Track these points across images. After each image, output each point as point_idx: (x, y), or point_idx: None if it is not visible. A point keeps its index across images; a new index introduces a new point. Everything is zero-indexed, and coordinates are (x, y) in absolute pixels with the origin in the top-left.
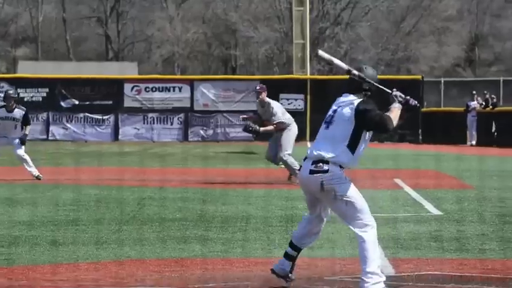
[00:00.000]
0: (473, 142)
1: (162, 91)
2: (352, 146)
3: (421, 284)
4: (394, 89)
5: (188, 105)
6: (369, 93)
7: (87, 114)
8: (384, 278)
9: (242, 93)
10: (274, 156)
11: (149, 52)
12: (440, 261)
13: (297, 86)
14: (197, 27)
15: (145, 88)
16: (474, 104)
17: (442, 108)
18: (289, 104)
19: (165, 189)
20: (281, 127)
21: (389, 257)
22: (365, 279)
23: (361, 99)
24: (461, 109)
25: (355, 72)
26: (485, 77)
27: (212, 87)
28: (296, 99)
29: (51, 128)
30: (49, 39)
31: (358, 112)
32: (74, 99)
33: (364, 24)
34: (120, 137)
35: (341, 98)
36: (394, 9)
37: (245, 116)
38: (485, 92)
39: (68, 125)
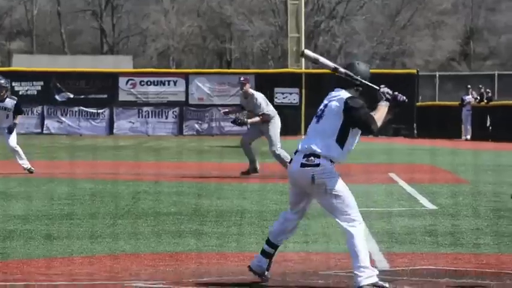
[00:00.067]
0: (468, 136)
1: (157, 85)
2: (341, 140)
3: (415, 279)
4: (382, 86)
5: (183, 99)
6: (361, 88)
7: (82, 107)
8: (377, 272)
9: (237, 87)
10: (247, 144)
11: (144, 46)
12: (434, 255)
13: (291, 80)
14: (192, 20)
15: (140, 82)
16: (469, 98)
17: (437, 103)
18: (284, 98)
19: (160, 183)
20: (266, 119)
21: (384, 252)
22: (358, 273)
23: (351, 95)
24: (456, 103)
25: (342, 70)
26: (480, 71)
27: (207, 81)
28: (291, 93)
29: (46, 121)
30: (44, 32)
31: (346, 108)
32: (68, 93)
33: (359, 17)
34: (115, 130)
35: (333, 92)
36: (389, 2)
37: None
38: (480, 86)
39: (63, 119)
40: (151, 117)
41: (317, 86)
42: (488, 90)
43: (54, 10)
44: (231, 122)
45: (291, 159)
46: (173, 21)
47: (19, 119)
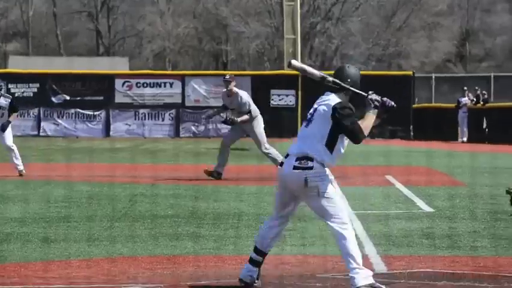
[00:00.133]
0: (465, 139)
1: (153, 87)
2: (330, 145)
3: (413, 281)
4: (370, 92)
5: (179, 100)
6: (350, 92)
7: (78, 110)
8: (371, 273)
9: None
10: (227, 146)
11: (140, 47)
12: (432, 258)
13: (288, 82)
14: (188, 22)
15: (137, 84)
16: (465, 100)
17: (433, 105)
18: (280, 99)
19: (156, 185)
20: (252, 117)
21: (381, 254)
22: (354, 275)
23: (340, 101)
24: (453, 105)
25: (330, 78)
26: (476, 73)
27: (203, 83)
28: (287, 95)
29: (42, 123)
30: (40, 34)
31: (334, 116)
32: (65, 95)
33: (355, 19)
34: (111, 133)
35: (323, 96)
36: (385, 4)
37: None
38: (476, 88)
39: (59, 121)
40: (148, 119)
41: (313, 88)
42: (484, 92)
43: (50, 11)
44: (222, 122)
45: (282, 163)
46: (169, 22)
47: (14, 117)
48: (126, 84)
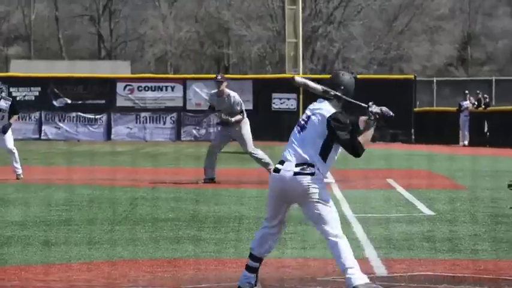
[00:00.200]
0: (466, 142)
1: (154, 90)
2: (323, 154)
3: (413, 285)
4: (371, 103)
5: (181, 104)
6: (343, 100)
7: (79, 113)
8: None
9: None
10: (215, 151)
11: (142, 51)
12: (432, 261)
13: (289, 86)
14: (190, 25)
15: (138, 87)
16: (467, 103)
17: (435, 108)
18: (281, 103)
19: (157, 189)
20: (243, 117)
21: (382, 258)
22: (350, 276)
23: (334, 111)
24: (454, 109)
25: (332, 92)
26: (478, 77)
27: (205, 87)
28: (289, 99)
29: (44, 127)
30: (41, 37)
31: (330, 127)
32: (66, 98)
33: (357, 23)
34: (112, 136)
35: (315, 103)
36: (387, 8)
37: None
38: (478, 91)
39: (61, 124)
40: (149, 122)
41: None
42: (485, 95)
43: (52, 15)
44: (217, 124)
45: (278, 169)
46: (171, 26)
47: (14, 119)
48: (128, 87)
